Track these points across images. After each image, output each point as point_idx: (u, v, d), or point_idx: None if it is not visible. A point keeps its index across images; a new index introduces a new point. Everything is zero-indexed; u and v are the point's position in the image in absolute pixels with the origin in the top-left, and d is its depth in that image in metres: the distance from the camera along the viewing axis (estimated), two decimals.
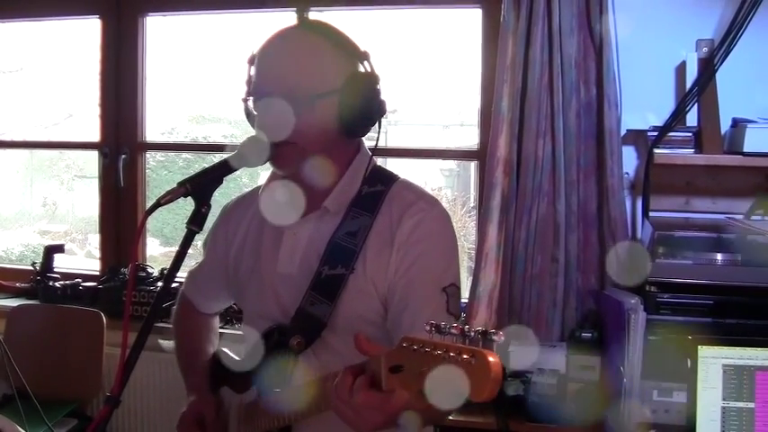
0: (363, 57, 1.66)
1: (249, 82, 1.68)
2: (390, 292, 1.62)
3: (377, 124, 1.68)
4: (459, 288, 1.65)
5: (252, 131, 1.68)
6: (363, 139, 1.76)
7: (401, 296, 1.60)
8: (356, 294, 1.62)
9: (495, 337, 1.03)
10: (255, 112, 1.67)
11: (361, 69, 1.66)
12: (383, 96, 1.68)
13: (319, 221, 1.69)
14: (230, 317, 3.22)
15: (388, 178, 1.74)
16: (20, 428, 2.16)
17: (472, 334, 1.04)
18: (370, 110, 1.65)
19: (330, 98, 1.60)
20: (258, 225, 1.79)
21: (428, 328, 1.08)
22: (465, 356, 1.01)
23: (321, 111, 1.60)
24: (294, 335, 1.61)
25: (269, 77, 1.62)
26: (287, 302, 1.67)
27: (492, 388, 0.98)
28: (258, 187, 1.82)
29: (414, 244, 1.61)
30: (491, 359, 0.98)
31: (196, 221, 1.48)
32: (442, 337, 1.07)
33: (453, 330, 1.06)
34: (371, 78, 1.66)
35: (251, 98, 1.67)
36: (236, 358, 1.82)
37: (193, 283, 2.03)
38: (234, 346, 1.90)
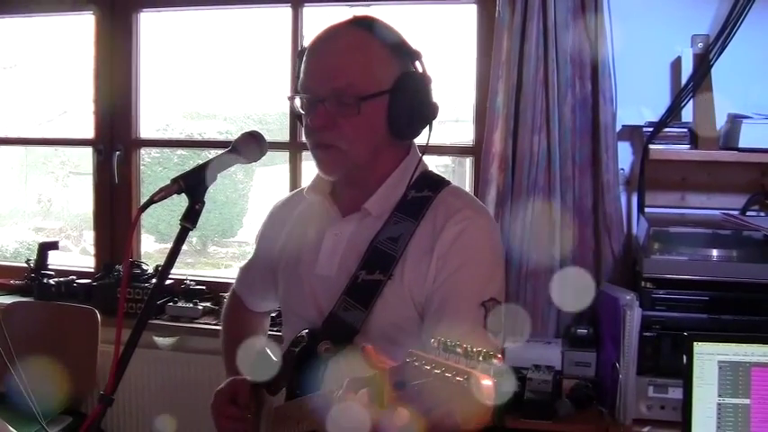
0: (416, 56, 1.61)
1: (297, 78, 1.64)
2: (427, 302, 1.56)
3: (428, 127, 1.63)
4: (501, 303, 1.56)
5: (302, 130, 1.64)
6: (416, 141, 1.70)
7: (437, 308, 1.54)
8: (392, 302, 1.57)
9: (493, 361, 0.98)
10: (302, 111, 1.62)
11: (413, 69, 1.61)
12: (435, 98, 1.63)
13: (360, 223, 1.65)
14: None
15: (437, 183, 1.68)
16: (11, 428, 2.15)
17: (473, 353, 0.99)
18: (421, 112, 1.60)
19: (380, 99, 1.55)
20: (302, 224, 1.77)
21: (435, 344, 1.03)
22: (459, 378, 0.97)
23: (370, 112, 1.55)
24: (323, 340, 1.57)
25: (316, 76, 1.57)
26: (323, 304, 1.63)
27: (481, 412, 0.95)
28: (303, 187, 1.79)
29: (454, 254, 1.55)
30: (484, 382, 0.94)
31: (190, 218, 1.47)
32: (447, 354, 1.02)
33: (458, 349, 1.01)
34: (423, 79, 1.61)
35: (297, 96, 1.63)
36: (275, 359, 1.76)
37: (243, 279, 2.01)
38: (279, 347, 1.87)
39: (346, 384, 1.21)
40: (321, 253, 1.68)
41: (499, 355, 0.98)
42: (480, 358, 0.98)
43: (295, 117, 1.67)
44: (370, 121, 1.56)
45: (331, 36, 1.61)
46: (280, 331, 1.83)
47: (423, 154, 1.70)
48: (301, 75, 1.61)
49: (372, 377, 1.18)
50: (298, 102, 1.63)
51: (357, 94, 1.53)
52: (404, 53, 1.61)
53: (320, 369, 1.57)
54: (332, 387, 1.43)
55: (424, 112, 1.61)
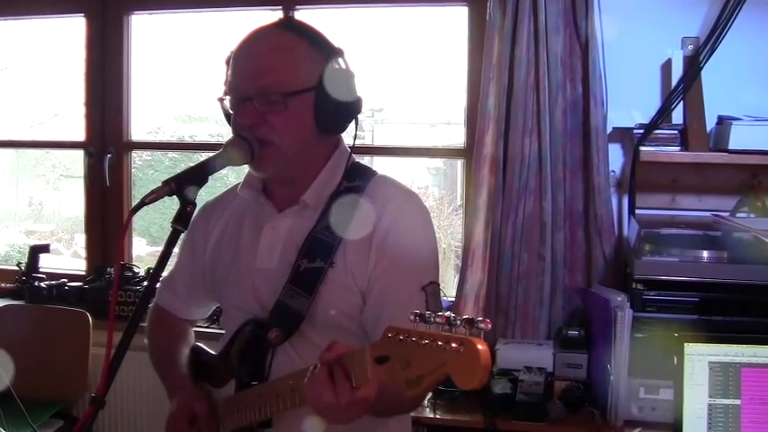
0: (338, 53, 1.66)
1: (226, 82, 1.68)
2: (369, 288, 1.62)
3: (354, 121, 1.69)
4: (439, 285, 1.65)
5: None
6: (344, 137, 1.76)
7: (379, 294, 1.60)
8: (335, 288, 1.62)
9: (482, 325, 1.04)
10: (232, 112, 1.66)
11: (336, 66, 1.66)
12: (359, 92, 1.68)
13: (298, 216, 1.69)
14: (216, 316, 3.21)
15: (366, 172, 1.74)
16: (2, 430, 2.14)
17: (458, 322, 1.05)
18: (345, 106, 1.65)
19: (306, 95, 1.60)
20: (237, 221, 1.80)
21: (412, 317, 1.09)
22: (453, 345, 1.02)
23: (297, 108, 1.60)
24: (272, 328, 1.61)
25: (243, 76, 1.62)
26: (265, 296, 1.67)
27: (481, 376, 0.99)
28: (237, 185, 1.81)
29: (392, 241, 1.61)
30: (480, 347, 1.00)
31: (181, 220, 1.48)
32: (428, 326, 1.08)
33: (438, 319, 1.07)
34: (346, 74, 1.66)
35: (227, 98, 1.67)
36: (213, 353, 1.82)
37: (169, 290, 1.98)
38: (210, 343, 1.89)
39: (320, 364, 1.26)
40: (260, 247, 1.71)
41: (487, 320, 1.04)
42: (466, 325, 1.04)
43: (227, 118, 1.69)
44: (298, 117, 1.61)
45: (256, 38, 1.66)
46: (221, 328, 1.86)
47: (351, 148, 1.75)
48: (229, 77, 1.65)
49: (352, 355, 1.21)
50: (228, 104, 1.67)
51: (283, 90, 1.58)
52: (326, 51, 1.66)
53: (267, 357, 1.64)
54: (282, 374, 1.51)
55: (349, 106, 1.66)
